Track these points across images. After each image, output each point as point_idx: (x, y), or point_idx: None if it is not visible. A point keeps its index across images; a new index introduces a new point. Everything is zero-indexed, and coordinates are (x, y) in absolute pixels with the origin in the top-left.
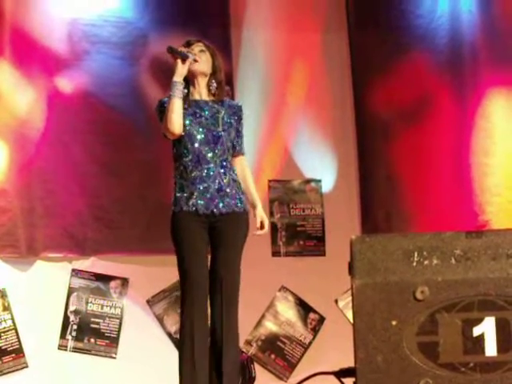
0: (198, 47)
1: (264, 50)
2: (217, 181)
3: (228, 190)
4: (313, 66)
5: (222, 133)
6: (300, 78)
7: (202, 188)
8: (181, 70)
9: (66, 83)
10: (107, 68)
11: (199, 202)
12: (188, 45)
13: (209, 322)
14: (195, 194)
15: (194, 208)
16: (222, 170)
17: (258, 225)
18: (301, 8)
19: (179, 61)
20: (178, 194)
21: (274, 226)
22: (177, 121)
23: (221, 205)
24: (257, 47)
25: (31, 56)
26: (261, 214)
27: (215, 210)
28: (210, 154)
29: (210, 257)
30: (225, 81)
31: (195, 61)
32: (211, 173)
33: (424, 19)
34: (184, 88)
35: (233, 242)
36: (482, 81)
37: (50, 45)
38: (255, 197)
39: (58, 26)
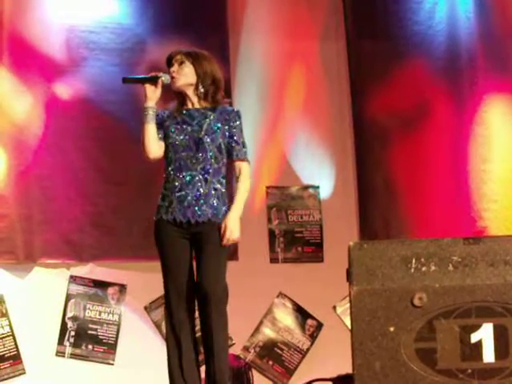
0: (177, 62)
1: (262, 57)
2: (195, 188)
3: (206, 199)
4: (311, 73)
5: (205, 137)
6: (298, 85)
7: (179, 196)
8: (151, 95)
9: (63, 90)
10: (105, 74)
11: (177, 210)
12: (169, 62)
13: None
14: (173, 202)
15: (172, 217)
16: (203, 178)
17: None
18: (299, 15)
19: (147, 86)
20: (160, 203)
21: (271, 233)
22: (148, 146)
23: (198, 213)
24: (255, 54)
25: (29, 62)
26: (225, 222)
27: (191, 219)
28: (192, 160)
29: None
30: (218, 85)
31: (172, 78)
32: (191, 180)
33: (422, 26)
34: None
35: (213, 251)
36: (479, 87)
37: (47, 51)
38: (234, 203)
39: (55, 32)
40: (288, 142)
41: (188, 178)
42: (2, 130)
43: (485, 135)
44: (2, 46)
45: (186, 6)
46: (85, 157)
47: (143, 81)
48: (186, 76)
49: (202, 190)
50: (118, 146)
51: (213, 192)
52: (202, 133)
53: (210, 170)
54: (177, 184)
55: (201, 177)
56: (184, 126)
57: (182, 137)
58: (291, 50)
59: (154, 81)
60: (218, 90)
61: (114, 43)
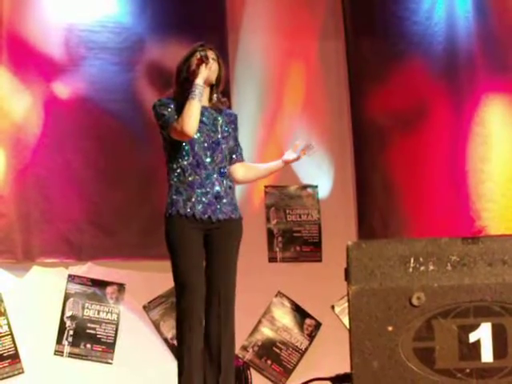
0: (211, 55)
1: (261, 56)
2: (215, 187)
3: (225, 197)
4: (309, 73)
5: (221, 140)
6: (297, 84)
7: (200, 192)
8: (205, 74)
9: (62, 89)
10: (104, 74)
11: (197, 206)
12: (204, 48)
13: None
14: (193, 198)
15: (191, 212)
16: (220, 177)
17: (301, 151)
18: (298, 14)
19: (204, 64)
20: (175, 197)
21: (270, 232)
22: (195, 123)
23: (218, 211)
24: (254, 53)
25: (28, 62)
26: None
27: (212, 216)
28: (208, 160)
29: (205, 263)
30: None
31: (209, 64)
32: (208, 178)
33: (421, 26)
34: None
35: (228, 251)
36: (478, 87)
37: (47, 50)
38: (273, 163)
39: (55, 31)
40: (287, 141)
41: (206, 176)
42: (1, 129)
43: (483, 135)
44: (1, 45)
45: (185, 5)
46: (84, 156)
47: (204, 59)
48: (214, 72)
49: (220, 189)
50: (116, 144)
51: (228, 190)
52: (220, 135)
53: (225, 171)
54: (195, 180)
55: (217, 176)
56: (201, 124)
57: (199, 134)
58: (290, 49)
59: (206, 63)
60: (220, 100)
61: (113, 42)
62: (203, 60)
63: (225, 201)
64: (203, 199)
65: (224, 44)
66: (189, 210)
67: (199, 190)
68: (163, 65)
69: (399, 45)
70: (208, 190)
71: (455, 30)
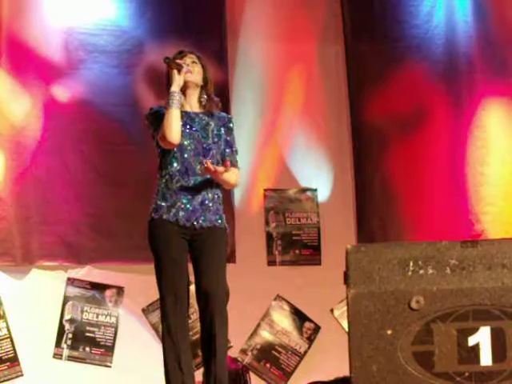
0: (190, 58)
1: (260, 60)
2: (201, 194)
3: (211, 205)
4: (309, 76)
5: (212, 145)
6: (296, 88)
7: (185, 200)
8: (178, 81)
9: (62, 92)
10: (103, 77)
11: (181, 213)
12: (181, 55)
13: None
14: (178, 204)
15: (174, 218)
16: (209, 184)
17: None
18: (297, 18)
19: (175, 71)
20: (159, 202)
21: (269, 235)
22: (176, 131)
23: (202, 218)
24: (253, 57)
25: (27, 65)
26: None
27: (196, 223)
28: (198, 166)
29: (193, 271)
30: (214, 92)
31: (188, 70)
32: (197, 185)
33: (420, 29)
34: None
35: (215, 256)
36: (477, 90)
37: (46, 53)
38: None
39: (54, 34)
40: (286, 144)
41: (194, 183)
42: (0, 132)
43: (483, 138)
44: (1, 48)
45: (184, 8)
46: (83, 159)
47: (174, 66)
48: (198, 75)
49: (207, 197)
50: (116, 147)
51: (216, 199)
52: (210, 140)
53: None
54: (183, 186)
55: (206, 183)
56: (191, 130)
57: (190, 140)
58: (289, 53)
59: (180, 68)
60: (213, 101)
61: (113, 45)
62: (172, 67)
63: (210, 209)
64: (187, 206)
65: (223, 48)
66: (172, 216)
67: (185, 198)
68: (162, 68)
69: (398, 48)
70: (194, 196)
71: (454, 33)
